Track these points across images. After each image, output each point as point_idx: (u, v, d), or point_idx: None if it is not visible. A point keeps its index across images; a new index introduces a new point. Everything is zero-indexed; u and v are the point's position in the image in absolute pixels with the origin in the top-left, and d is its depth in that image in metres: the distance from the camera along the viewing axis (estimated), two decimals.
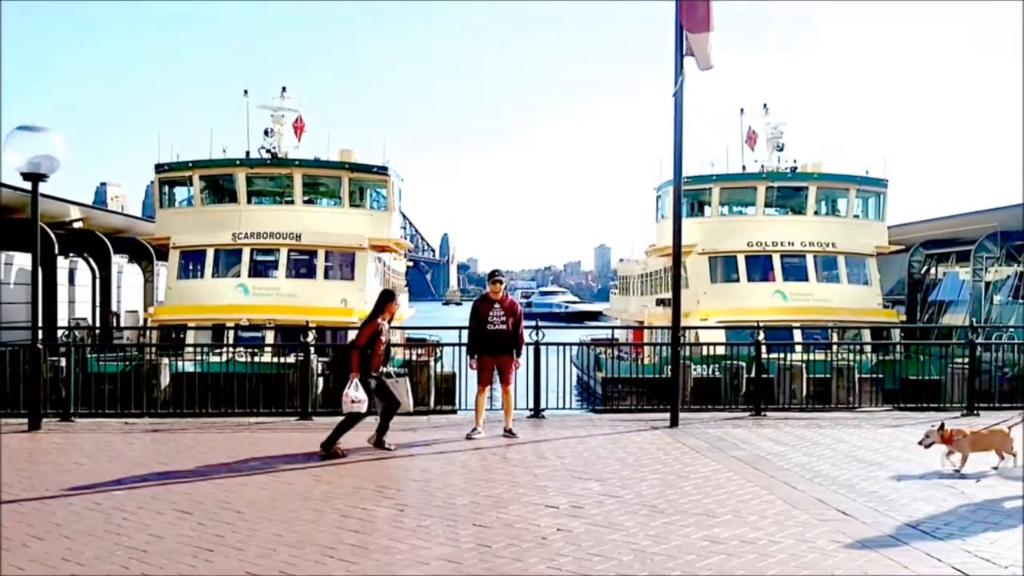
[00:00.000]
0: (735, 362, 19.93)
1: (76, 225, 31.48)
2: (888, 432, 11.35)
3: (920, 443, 8.86)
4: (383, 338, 9.89)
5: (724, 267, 29.22)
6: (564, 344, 14.44)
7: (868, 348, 22.41)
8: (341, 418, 9.73)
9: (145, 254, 35.14)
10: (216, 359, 17.40)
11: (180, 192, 29.26)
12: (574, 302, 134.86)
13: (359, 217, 28.62)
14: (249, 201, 28.19)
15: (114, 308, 33.32)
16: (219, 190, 28.79)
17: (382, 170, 28.81)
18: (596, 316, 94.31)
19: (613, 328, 32.98)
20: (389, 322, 10.08)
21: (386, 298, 10.08)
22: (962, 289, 33.92)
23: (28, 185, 11.39)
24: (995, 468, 8.53)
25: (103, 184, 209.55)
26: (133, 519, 6.77)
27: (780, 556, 5.77)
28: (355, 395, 9.44)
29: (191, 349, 20.24)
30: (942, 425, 8.79)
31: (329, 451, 9.46)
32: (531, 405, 12.74)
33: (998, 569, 5.52)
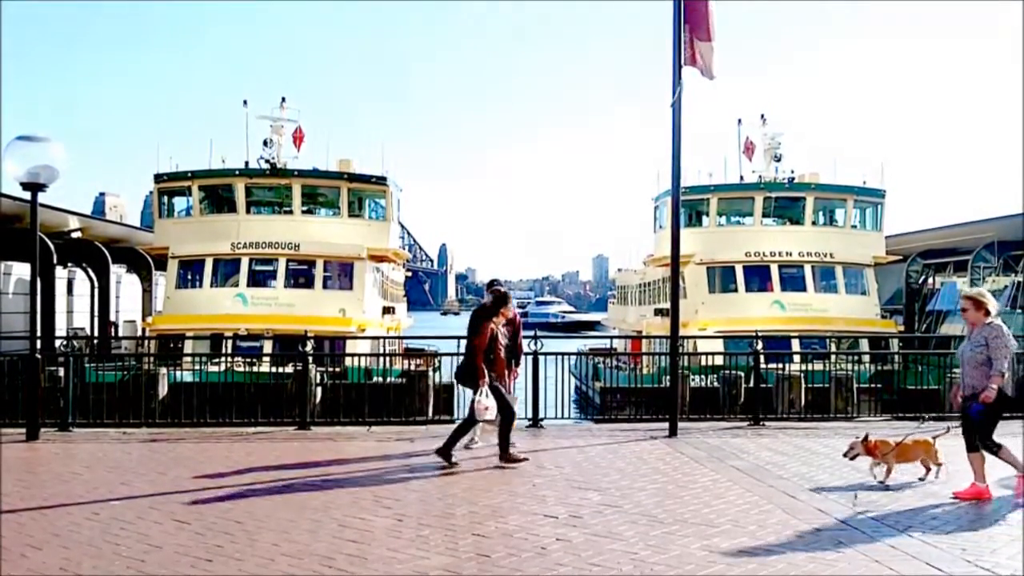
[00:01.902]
0: (733, 372, 19.93)
1: (75, 235, 31.52)
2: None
3: (844, 455, 8.78)
4: (501, 341, 9.77)
5: (722, 277, 29.27)
6: (562, 354, 14.43)
7: (866, 358, 22.44)
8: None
9: (144, 264, 35.19)
10: (214, 369, 17.40)
11: (179, 202, 29.30)
12: (570, 312, 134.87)
13: (358, 227, 28.66)
14: (248, 211, 28.22)
15: (112, 318, 33.36)
16: (218, 200, 28.83)
17: (381, 180, 28.88)
18: (593, 326, 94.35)
19: (611, 338, 33.02)
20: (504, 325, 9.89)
21: (502, 301, 9.90)
22: (957, 299, 33.98)
23: (27, 195, 11.40)
24: (921, 479, 8.47)
25: (102, 194, 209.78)
26: (131, 529, 6.76)
27: (780, 566, 5.77)
28: (487, 402, 9.34)
29: (189, 359, 20.22)
30: (866, 436, 8.71)
31: (447, 456, 9.40)
32: (530, 415, 12.72)
33: None
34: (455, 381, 10.57)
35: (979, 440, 7.84)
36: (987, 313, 7.96)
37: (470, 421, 9.70)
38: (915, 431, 9.11)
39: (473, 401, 9.46)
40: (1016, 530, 6.72)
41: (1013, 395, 7.99)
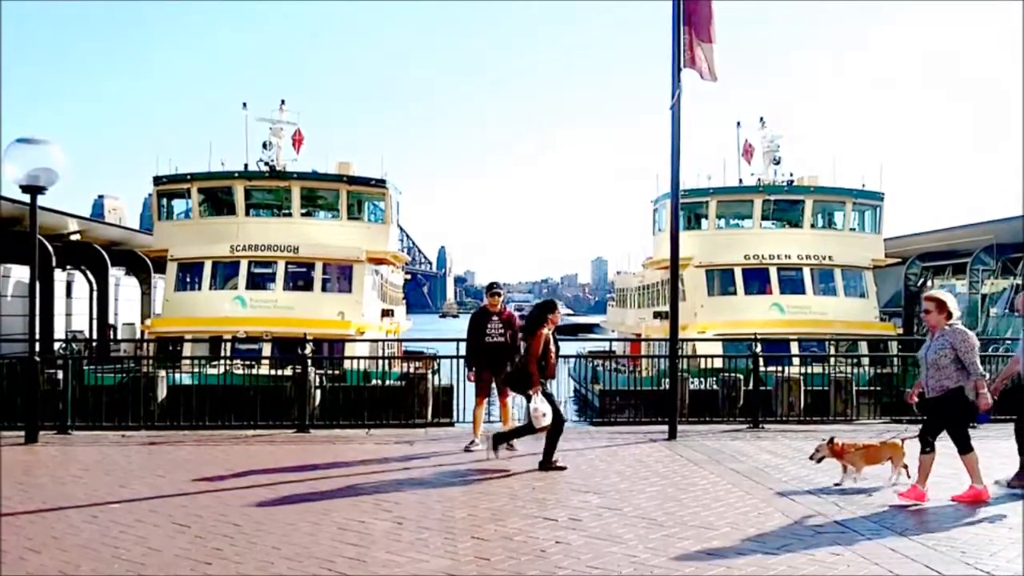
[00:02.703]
0: (733, 375, 19.91)
1: (74, 237, 31.51)
2: None
3: (811, 457, 8.77)
4: (552, 347, 9.79)
5: (721, 280, 29.25)
6: (562, 357, 14.41)
7: (865, 360, 22.38)
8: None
9: (143, 266, 35.15)
10: (213, 371, 17.38)
11: (178, 204, 29.26)
12: (569, 314, 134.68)
13: (357, 230, 28.64)
14: (247, 214, 28.18)
15: (111, 320, 33.32)
16: (217, 203, 28.81)
17: (380, 183, 28.85)
18: (591, 328, 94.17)
19: (611, 340, 33.00)
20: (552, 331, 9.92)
21: (549, 308, 9.91)
22: (958, 302, 34.00)
23: (27, 197, 11.40)
24: (893, 482, 8.43)
25: (101, 197, 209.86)
26: (130, 532, 6.75)
27: (779, 569, 5.78)
28: (543, 407, 9.37)
29: (188, 361, 20.20)
30: (832, 439, 8.69)
31: (496, 450, 9.55)
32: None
33: None
34: (507, 386, 10.62)
35: (921, 435, 7.88)
36: (949, 316, 7.94)
37: (529, 427, 9.65)
38: (883, 434, 9.08)
39: (529, 408, 9.46)
40: (1016, 532, 6.73)
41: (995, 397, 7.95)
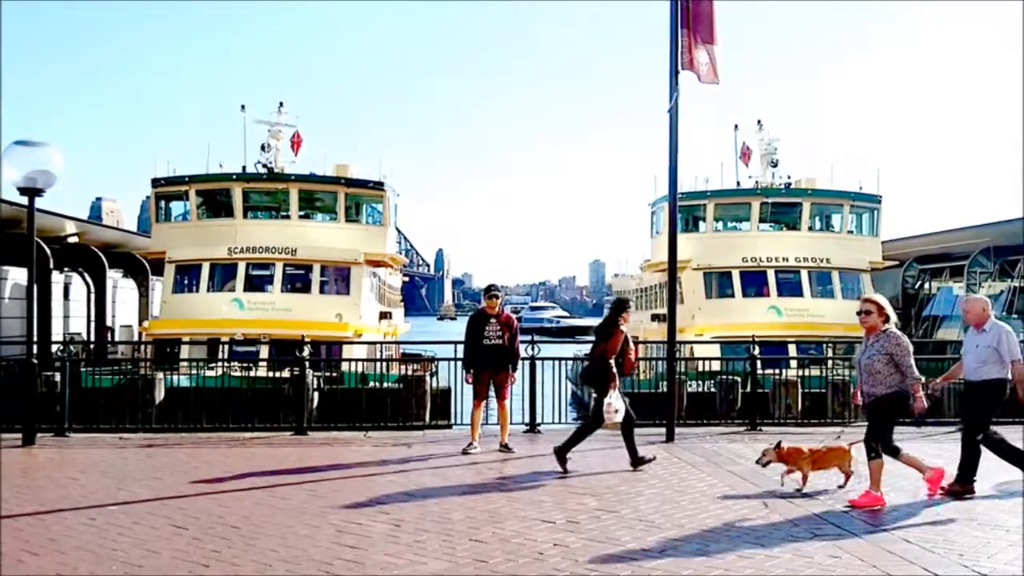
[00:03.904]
0: (730, 377, 19.94)
1: (71, 240, 31.49)
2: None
3: (757, 462, 8.77)
4: (630, 346, 9.83)
5: (719, 283, 29.31)
6: (560, 359, 14.45)
7: None
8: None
9: (140, 268, 35.15)
10: (211, 373, 17.38)
11: (176, 207, 29.29)
12: (565, 317, 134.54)
13: (355, 232, 28.66)
14: (245, 216, 28.19)
15: (109, 323, 33.29)
16: (215, 205, 28.81)
17: (378, 185, 28.87)
18: (588, 331, 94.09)
19: None
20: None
21: (622, 307, 9.95)
22: (956, 304, 34.04)
23: (24, 200, 11.38)
24: (841, 486, 8.38)
25: (98, 199, 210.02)
26: (128, 534, 6.75)
27: (778, 571, 5.78)
28: (617, 404, 9.40)
29: (186, 363, 20.19)
30: (779, 443, 8.65)
31: (563, 457, 9.44)
32: (527, 420, 12.73)
33: None
34: (581, 383, 10.65)
35: (878, 445, 7.86)
36: (886, 319, 7.94)
37: (597, 422, 9.66)
38: (830, 437, 9.05)
39: (601, 404, 9.47)
40: (1013, 535, 6.73)
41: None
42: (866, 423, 8.21)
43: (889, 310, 8.01)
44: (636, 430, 9.73)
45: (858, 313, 8.12)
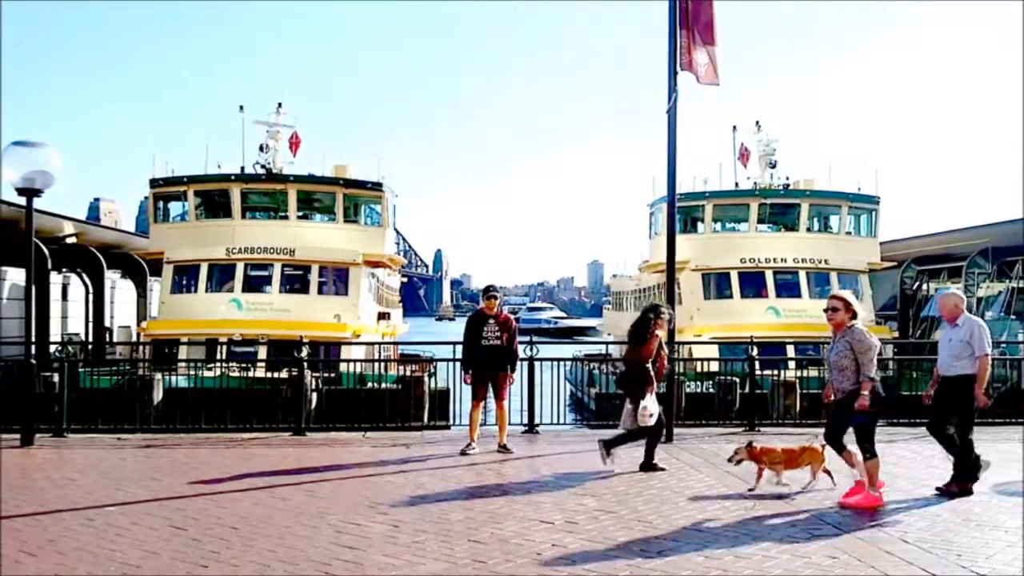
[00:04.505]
0: (729, 378, 19.97)
1: (70, 240, 31.47)
2: (880, 447, 11.26)
3: (729, 460, 8.78)
4: (664, 351, 9.83)
5: (717, 284, 29.35)
6: (558, 360, 14.45)
7: None
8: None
9: (138, 269, 35.14)
10: (209, 374, 17.37)
11: (174, 207, 29.30)
12: (562, 317, 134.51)
13: (353, 233, 28.67)
14: (243, 216, 28.19)
15: (107, 323, 33.27)
16: (213, 205, 28.82)
17: (377, 186, 28.88)
18: (585, 331, 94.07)
19: (607, 344, 33.03)
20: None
21: (657, 311, 9.93)
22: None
23: (23, 200, 11.37)
24: (805, 488, 8.37)
25: (96, 199, 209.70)
26: (127, 535, 6.74)
27: (776, 571, 5.79)
28: (652, 408, 9.41)
29: (184, 364, 20.18)
30: (750, 443, 8.67)
31: (609, 450, 9.46)
32: (525, 420, 12.73)
33: None
34: (617, 387, 10.65)
35: (825, 437, 7.93)
36: (854, 316, 7.95)
37: (637, 431, 9.62)
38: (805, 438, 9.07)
39: (638, 407, 9.45)
40: (1012, 535, 6.74)
41: (884, 395, 8.03)
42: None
43: (857, 307, 8.03)
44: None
45: (825, 310, 8.10)
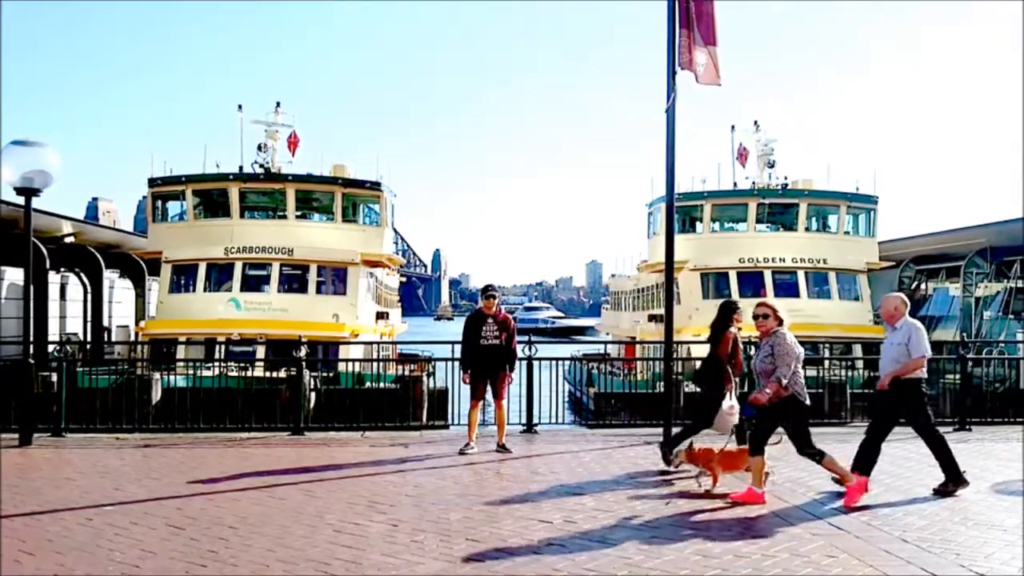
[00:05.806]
0: None
1: (68, 240, 31.45)
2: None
3: (668, 462, 8.73)
4: (740, 347, 9.77)
5: (716, 283, 29.34)
6: (556, 359, 14.44)
7: (859, 363, 22.46)
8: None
9: (137, 269, 35.11)
10: (208, 374, 17.35)
11: (173, 206, 29.28)
12: (560, 317, 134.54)
13: (352, 232, 28.66)
14: (242, 216, 28.17)
15: (105, 323, 33.25)
16: (212, 205, 28.80)
17: (375, 186, 28.87)
18: (583, 331, 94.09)
19: (605, 343, 33.06)
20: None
21: (732, 309, 9.84)
22: (952, 304, 34.12)
23: (21, 200, 11.36)
24: (708, 490, 8.33)
25: (95, 199, 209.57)
26: (125, 534, 6.74)
27: (774, 571, 5.79)
28: (735, 405, 9.35)
29: (183, 364, 20.16)
30: (690, 444, 8.67)
31: (671, 455, 9.29)
32: (524, 420, 12.72)
33: None
34: (693, 383, 10.60)
35: (800, 449, 7.93)
36: (780, 323, 8.09)
37: (704, 423, 9.50)
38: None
39: (710, 405, 9.37)
40: (1011, 535, 6.75)
41: (810, 403, 8.08)
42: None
43: (782, 314, 8.21)
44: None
45: (755, 317, 8.21)
